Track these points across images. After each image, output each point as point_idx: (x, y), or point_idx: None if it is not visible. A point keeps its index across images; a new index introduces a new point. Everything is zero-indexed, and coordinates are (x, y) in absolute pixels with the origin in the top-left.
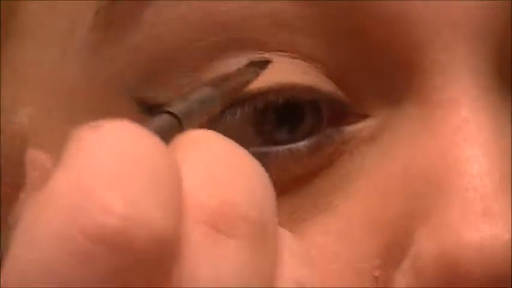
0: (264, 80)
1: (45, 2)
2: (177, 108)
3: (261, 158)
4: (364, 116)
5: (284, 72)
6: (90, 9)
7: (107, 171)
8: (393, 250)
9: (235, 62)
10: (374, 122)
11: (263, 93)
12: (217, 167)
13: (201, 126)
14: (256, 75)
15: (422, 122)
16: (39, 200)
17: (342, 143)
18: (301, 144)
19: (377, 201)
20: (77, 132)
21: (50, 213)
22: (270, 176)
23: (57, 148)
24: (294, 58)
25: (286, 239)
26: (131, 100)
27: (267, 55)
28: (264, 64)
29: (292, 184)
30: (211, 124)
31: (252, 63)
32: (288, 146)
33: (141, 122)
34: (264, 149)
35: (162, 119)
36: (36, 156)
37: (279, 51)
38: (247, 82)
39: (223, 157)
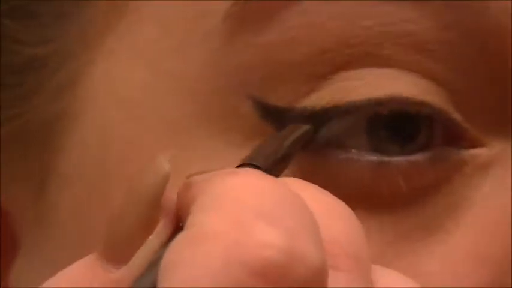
0: (382, 90)
1: None
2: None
3: (376, 167)
4: (478, 144)
5: (405, 86)
6: (224, 0)
7: (256, 209)
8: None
9: (360, 75)
10: (488, 151)
11: (381, 101)
12: (317, 211)
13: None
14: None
15: None
16: (193, 238)
17: (457, 164)
18: (420, 155)
19: (486, 234)
20: (211, 177)
21: (210, 249)
22: (383, 188)
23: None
24: (419, 77)
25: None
26: (248, 97)
27: (393, 71)
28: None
29: (406, 200)
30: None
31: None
32: (406, 157)
33: (252, 121)
34: (381, 158)
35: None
36: (172, 203)
37: (406, 69)
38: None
39: (321, 201)
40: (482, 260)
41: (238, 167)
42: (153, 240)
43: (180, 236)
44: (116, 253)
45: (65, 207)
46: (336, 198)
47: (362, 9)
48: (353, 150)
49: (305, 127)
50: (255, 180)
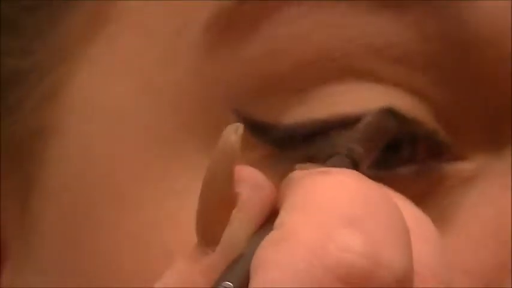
0: (364, 105)
1: None
2: (350, 149)
3: None
4: (461, 158)
5: (389, 101)
6: (206, 10)
7: (344, 212)
8: None
9: (344, 90)
10: (471, 164)
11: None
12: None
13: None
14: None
15: None
16: (278, 239)
17: (440, 178)
18: (403, 169)
19: (469, 247)
20: (301, 175)
21: (293, 251)
22: None
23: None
24: (402, 91)
25: None
26: (232, 111)
27: (376, 85)
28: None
29: None
30: (306, 146)
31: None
32: (390, 171)
33: None
34: (365, 171)
35: (342, 162)
36: (248, 174)
37: (389, 83)
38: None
39: (409, 215)
40: (465, 273)
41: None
42: (237, 215)
43: (269, 236)
44: (207, 235)
45: (49, 219)
46: (421, 212)
47: (344, 20)
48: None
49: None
50: (346, 182)
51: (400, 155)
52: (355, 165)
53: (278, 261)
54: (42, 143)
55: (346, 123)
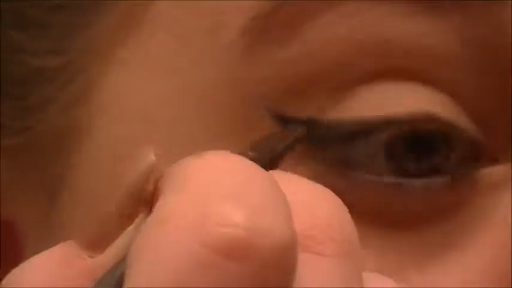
0: (401, 106)
1: None
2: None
3: (394, 189)
4: (495, 161)
5: (425, 102)
6: (243, 13)
7: (220, 187)
8: None
9: (382, 90)
10: (504, 168)
11: (403, 120)
12: (301, 199)
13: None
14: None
15: None
16: (156, 222)
17: (474, 183)
18: (437, 176)
19: (503, 254)
20: (179, 162)
21: (171, 232)
22: (399, 208)
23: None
24: (437, 92)
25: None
26: (268, 112)
27: (413, 85)
28: (301, 138)
29: (422, 220)
30: (343, 147)
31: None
32: (423, 179)
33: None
34: (399, 180)
35: None
36: (154, 197)
37: (425, 84)
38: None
39: (304, 189)
40: (498, 280)
41: None
42: (132, 231)
43: (147, 221)
44: (93, 241)
45: (77, 224)
46: (322, 186)
47: (382, 22)
48: (369, 170)
49: (300, 130)
50: (219, 161)
51: (433, 159)
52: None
53: (156, 242)
54: (72, 144)
55: (387, 122)
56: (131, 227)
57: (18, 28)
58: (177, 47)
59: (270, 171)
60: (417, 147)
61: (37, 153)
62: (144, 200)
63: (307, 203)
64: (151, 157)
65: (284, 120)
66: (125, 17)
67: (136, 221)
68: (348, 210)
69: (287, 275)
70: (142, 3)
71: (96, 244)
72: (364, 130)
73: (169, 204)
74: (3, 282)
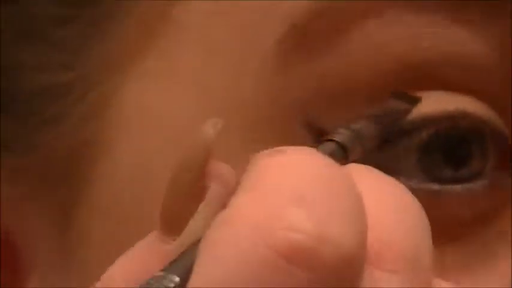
0: (433, 107)
1: (209, 6)
2: (342, 137)
3: (434, 196)
4: None
5: (462, 103)
6: (278, 23)
7: (292, 191)
8: None
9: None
10: None
11: (429, 120)
12: (380, 205)
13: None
14: (408, 111)
15: None
16: (225, 219)
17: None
18: (476, 181)
19: None
20: (258, 157)
21: (237, 232)
22: (439, 217)
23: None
24: (475, 99)
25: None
26: (306, 124)
27: (450, 93)
28: (415, 100)
29: (465, 227)
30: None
31: (402, 98)
32: (463, 185)
33: (305, 145)
34: (441, 187)
35: (329, 147)
36: (221, 170)
37: (463, 91)
38: (400, 118)
39: (385, 194)
40: None
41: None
42: (204, 208)
43: (218, 216)
44: (171, 225)
45: (97, 239)
46: (407, 191)
47: (421, 31)
48: (403, 177)
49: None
50: (298, 160)
51: (471, 165)
52: (344, 150)
53: (222, 240)
54: (90, 158)
55: (423, 121)
56: (203, 204)
57: (26, 43)
58: (207, 58)
59: (352, 165)
60: (452, 152)
61: (48, 170)
62: (214, 176)
63: (385, 212)
64: (211, 131)
65: (321, 133)
66: (142, 28)
67: (207, 197)
68: (429, 223)
69: (348, 286)
70: (160, 13)
71: (174, 227)
72: (399, 133)
73: (239, 202)
74: (102, 277)
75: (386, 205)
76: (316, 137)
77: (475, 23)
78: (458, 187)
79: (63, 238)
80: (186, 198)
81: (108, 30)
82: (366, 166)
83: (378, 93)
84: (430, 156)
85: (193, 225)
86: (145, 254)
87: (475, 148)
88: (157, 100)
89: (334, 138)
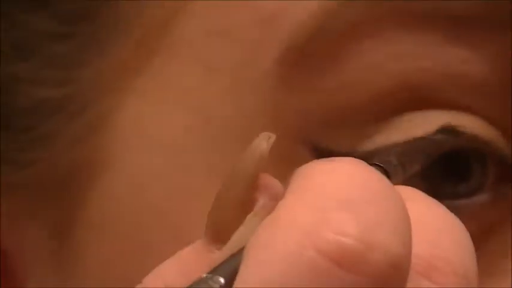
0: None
1: (208, 25)
2: (385, 162)
3: None
4: None
5: (459, 121)
6: (278, 42)
7: (341, 195)
8: None
9: (421, 118)
10: None
11: (434, 133)
12: (429, 223)
13: None
14: (447, 142)
15: None
16: (272, 222)
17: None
18: (483, 195)
19: None
20: (306, 165)
21: (286, 234)
22: None
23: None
24: (472, 115)
25: None
26: (306, 143)
27: (455, 114)
28: (456, 133)
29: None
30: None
31: (442, 130)
32: (471, 198)
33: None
34: (450, 202)
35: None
36: (271, 183)
37: (469, 112)
38: (439, 148)
39: (434, 213)
40: None
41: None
42: (252, 219)
43: (265, 220)
44: (218, 234)
45: (94, 259)
46: (452, 214)
47: (421, 50)
48: None
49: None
50: (346, 167)
51: (470, 182)
52: (386, 175)
53: (269, 242)
54: (85, 177)
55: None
56: (251, 215)
57: (22, 57)
58: (205, 76)
59: (398, 186)
60: (452, 169)
61: (45, 186)
62: (264, 189)
63: (433, 228)
64: (263, 146)
65: (320, 153)
66: (140, 46)
67: (256, 208)
68: (472, 243)
69: None
70: (158, 31)
71: (220, 236)
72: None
73: (287, 205)
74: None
75: (435, 222)
76: (317, 156)
77: (475, 42)
78: (467, 201)
79: (59, 255)
80: (235, 209)
81: (105, 48)
82: (412, 188)
83: (377, 112)
84: (431, 175)
85: (240, 235)
86: (190, 261)
87: (475, 165)
88: (155, 119)
89: (377, 163)
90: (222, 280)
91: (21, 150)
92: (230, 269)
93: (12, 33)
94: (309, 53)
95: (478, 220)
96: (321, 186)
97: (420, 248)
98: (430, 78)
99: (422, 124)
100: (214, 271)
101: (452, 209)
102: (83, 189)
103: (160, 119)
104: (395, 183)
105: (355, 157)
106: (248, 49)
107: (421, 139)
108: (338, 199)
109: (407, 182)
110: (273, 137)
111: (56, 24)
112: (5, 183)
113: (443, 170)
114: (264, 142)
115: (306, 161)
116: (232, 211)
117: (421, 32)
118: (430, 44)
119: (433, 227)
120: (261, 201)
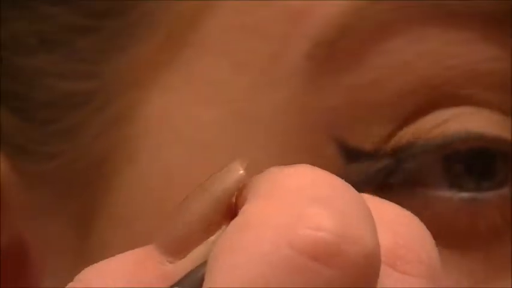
0: (457, 127)
1: (236, 20)
2: None
3: (469, 205)
4: None
5: (480, 122)
6: (307, 38)
7: (310, 192)
8: None
9: (448, 116)
10: None
11: (451, 141)
12: (387, 215)
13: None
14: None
15: None
16: (241, 225)
17: None
18: (506, 190)
19: None
20: (268, 171)
21: (259, 235)
22: (478, 225)
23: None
24: (494, 113)
25: None
26: (332, 139)
27: (470, 108)
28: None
29: (501, 235)
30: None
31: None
32: (498, 191)
33: (336, 163)
34: (474, 195)
35: None
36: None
37: (494, 110)
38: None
39: (389, 208)
40: None
41: None
42: (212, 242)
43: (231, 224)
44: (174, 246)
45: (116, 249)
46: (406, 210)
47: (449, 48)
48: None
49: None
50: (307, 171)
51: (494, 178)
52: None
53: (242, 245)
54: (109, 169)
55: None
56: (212, 238)
57: (49, 50)
58: (233, 71)
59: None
60: (475, 165)
61: (68, 179)
62: (228, 213)
63: (392, 222)
64: (240, 171)
65: (347, 150)
66: (166, 40)
67: (218, 233)
68: (431, 236)
69: (372, 283)
70: (186, 26)
71: (176, 250)
72: (420, 150)
73: (255, 208)
74: (75, 278)
75: (392, 215)
76: (344, 152)
77: (504, 40)
78: (493, 194)
79: (81, 248)
80: (199, 226)
81: (131, 43)
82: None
83: (403, 111)
84: (454, 170)
85: (197, 252)
86: (138, 267)
87: (498, 162)
88: (182, 113)
89: None
90: None
91: (45, 143)
92: (192, 282)
93: (38, 26)
94: (338, 50)
95: (502, 211)
96: (288, 188)
97: (382, 238)
98: (454, 77)
99: (449, 121)
100: (179, 283)
101: (482, 201)
102: (106, 182)
103: (187, 113)
104: None
105: (381, 154)
106: (277, 44)
107: None
108: (308, 197)
109: (428, 177)
110: (246, 160)
111: (82, 18)
112: (28, 175)
113: (466, 167)
114: (240, 168)
115: (333, 158)
116: (194, 228)
117: (449, 31)
118: (458, 43)
119: (392, 220)
120: (225, 226)
